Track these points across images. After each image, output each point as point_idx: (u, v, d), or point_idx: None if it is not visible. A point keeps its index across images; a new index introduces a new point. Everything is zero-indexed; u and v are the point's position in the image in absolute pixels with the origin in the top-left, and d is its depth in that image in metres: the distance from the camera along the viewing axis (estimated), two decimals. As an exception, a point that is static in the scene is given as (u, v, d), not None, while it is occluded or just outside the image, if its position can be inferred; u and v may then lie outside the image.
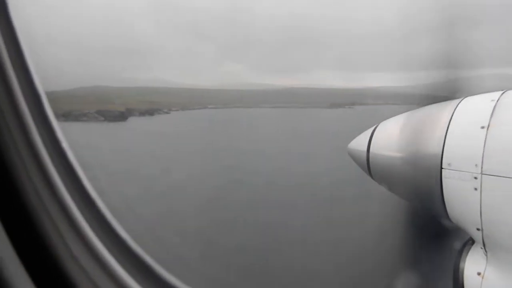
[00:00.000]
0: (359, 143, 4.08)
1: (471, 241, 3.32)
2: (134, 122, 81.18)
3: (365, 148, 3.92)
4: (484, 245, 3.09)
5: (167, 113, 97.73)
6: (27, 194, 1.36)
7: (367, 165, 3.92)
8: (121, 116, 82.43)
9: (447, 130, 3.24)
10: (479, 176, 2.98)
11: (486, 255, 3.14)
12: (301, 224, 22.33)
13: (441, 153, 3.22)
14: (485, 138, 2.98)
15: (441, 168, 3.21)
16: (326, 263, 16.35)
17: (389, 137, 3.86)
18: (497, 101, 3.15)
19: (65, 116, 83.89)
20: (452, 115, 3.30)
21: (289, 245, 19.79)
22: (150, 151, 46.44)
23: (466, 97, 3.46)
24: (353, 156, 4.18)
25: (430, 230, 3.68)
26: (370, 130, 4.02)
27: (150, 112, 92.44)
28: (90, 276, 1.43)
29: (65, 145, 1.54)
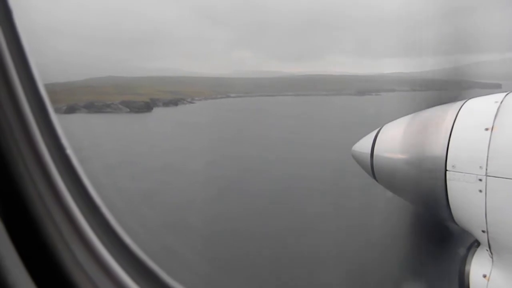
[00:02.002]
0: (363, 146, 4.06)
1: (476, 244, 3.29)
2: (160, 112, 79.01)
3: (369, 151, 3.91)
4: (489, 247, 3.08)
5: (191, 103, 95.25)
6: (30, 198, 1.37)
7: (371, 167, 3.91)
8: (147, 107, 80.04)
9: (451, 132, 3.24)
10: (483, 178, 2.98)
11: (492, 257, 3.12)
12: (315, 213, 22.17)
13: (445, 155, 3.21)
14: (489, 140, 2.98)
15: (446, 170, 3.20)
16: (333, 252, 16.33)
17: (393, 140, 3.86)
18: (501, 102, 3.13)
19: (87, 107, 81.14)
20: (456, 117, 3.28)
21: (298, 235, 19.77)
22: (187, 143, 44.05)
23: (470, 99, 3.45)
24: (357, 159, 4.18)
25: (435, 233, 3.68)
26: (374, 133, 4.00)
27: (174, 102, 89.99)
28: (93, 281, 1.43)
29: (68, 149, 1.53)
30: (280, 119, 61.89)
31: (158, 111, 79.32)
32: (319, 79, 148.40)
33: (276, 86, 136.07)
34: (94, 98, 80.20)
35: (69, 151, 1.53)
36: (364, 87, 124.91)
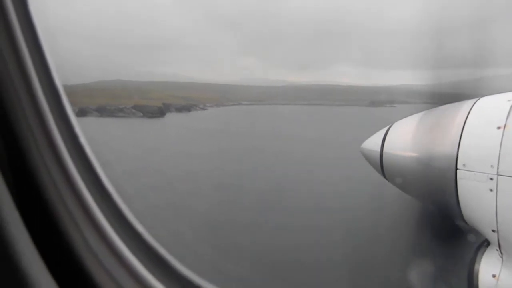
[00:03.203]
0: (372, 143, 4.04)
1: (486, 243, 3.27)
2: (174, 118, 77.11)
3: (378, 148, 3.89)
4: (499, 247, 3.06)
5: (204, 109, 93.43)
6: (45, 186, 1.40)
7: (381, 165, 3.89)
8: (160, 112, 78.10)
9: (462, 130, 3.21)
10: (495, 177, 2.96)
11: (502, 257, 3.11)
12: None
13: (456, 153, 3.19)
14: (501, 139, 2.95)
15: (456, 168, 3.18)
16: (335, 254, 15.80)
17: (403, 137, 3.84)
18: None
19: (99, 111, 78.57)
20: (468, 115, 3.26)
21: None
22: (210, 150, 41.93)
23: (482, 97, 3.40)
24: (366, 156, 4.15)
25: (445, 232, 3.65)
26: (383, 130, 3.97)
27: (187, 108, 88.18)
28: (105, 267, 1.46)
29: (82, 139, 1.57)
30: (305, 129, 59.64)
31: (171, 117, 77.41)
32: (329, 89, 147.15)
33: (287, 95, 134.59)
34: (105, 102, 78.36)
35: (83, 139, 1.56)
36: (376, 98, 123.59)
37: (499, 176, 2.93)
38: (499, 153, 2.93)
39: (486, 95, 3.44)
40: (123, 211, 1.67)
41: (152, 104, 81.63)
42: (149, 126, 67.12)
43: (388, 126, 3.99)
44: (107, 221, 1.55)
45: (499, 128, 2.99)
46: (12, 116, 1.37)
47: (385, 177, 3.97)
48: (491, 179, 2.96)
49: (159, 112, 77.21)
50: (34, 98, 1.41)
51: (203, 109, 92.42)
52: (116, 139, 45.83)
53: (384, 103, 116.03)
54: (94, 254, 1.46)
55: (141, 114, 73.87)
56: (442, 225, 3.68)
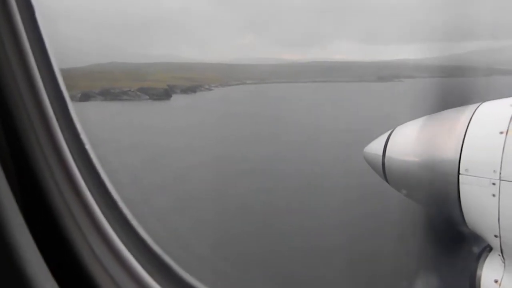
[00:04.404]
0: (375, 148, 4.03)
1: (488, 248, 3.27)
2: (182, 100, 74.72)
3: (381, 153, 3.88)
4: (501, 252, 3.06)
5: (209, 89, 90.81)
6: (49, 192, 1.40)
7: (383, 169, 3.88)
8: (166, 94, 75.58)
9: (465, 135, 3.20)
10: (497, 182, 2.96)
11: (504, 263, 3.10)
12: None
13: (458, 158, 3.18)
14: (504, 144, 2.95)
15: (459, 173, 3.17)
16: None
17: (405, 142, 3.83)
18: None
19: (103, 94, 76.00)
20: (470, 120, 3.25)
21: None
22: (227, 134, 40.09)
23: (484, 102, 3.41)
24: (369, 160, 4.15)
25: (447, 237, 3.64)
26: (386, 135, 3.96)
27: (192, 89, 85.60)
28: (109, 273, 1.47)
29: (86, 143, 1.57)
30: (316, 106, 57.45)
31: (178, 98, 75.04)
32: (333, 66, 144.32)
33: (290, 73, 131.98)
34: (105, 85, 75.68)
35: (88, 146, 1.56)
36: (383, 73, 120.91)
37: (501, 181, 2.94)
38: (502, 158, 2.94)
39: (488, 100, 3.42)
40: (126, 215, 1.67)
41: (157, 86, 79.08)
42: (158, 109, 64.97)
43: (390, 131, 3.97)
44: (110, 225, 1.55)
45: (501, 133, 2.99)
46: (15, 115, 1.36)
47: (387, 181, 3.95)
48: (494, 184, 2.97)
49: (165, 94, 74.90)
50: (39, 102, 1.40)
51: (208, 89, 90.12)
52: (131, 124, 43.91)
53: (391, 78, 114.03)
54: (97, 258, 1.46)
55: (147, 97, 71.56)
56: (444, 230, 3.65)
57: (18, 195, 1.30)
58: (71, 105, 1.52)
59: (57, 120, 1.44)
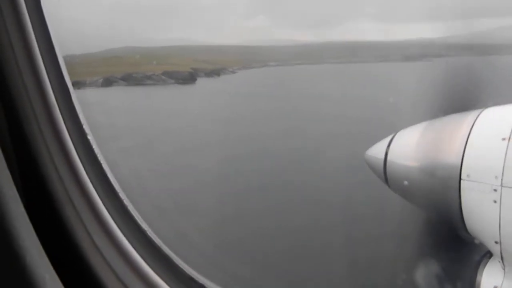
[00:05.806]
0: (376, 151, 4.02)
1: (488, 254, 3.27)
2: (208, 83, 73.26)
3: (382, 157, 3.88)
4: (502, 258, 3.05)
5: (233, 72, 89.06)
6: (52, 184, 1.41)
7: (384, 173, 3.88)
8: (191, 78, 74.27)
9: (467, 140, 3.20)
10: (498, 189, 2.95)
11: (504, 269, 3.09)
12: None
13: (460, 163, 3.17)
14: (506, 150, 2.94)
15: (460, 179, 3.17)
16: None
17: (407, 146, 3.83)
18: None
19: (125, 79, 74.47)
20: (473, 126, 3.25)
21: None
22: (262, 115, 38.84)
23: (487, 108, 3.40)
24: (370, 164, 4.14)
25: (447, 242, 3.61)
26: (388, 139, 3.98)
27: (216, 72, 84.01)
28: (110, 264, 1.48)
29: (90, 137, 1.54)
30: (356, 87, 55.10)
31: (204, 82, 73.55)
32: (355, 46, 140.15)
33: (311, 54, 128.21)
34: (128, 70, 74.42)
35: (90, 137, 1.54)
36: (409, 53, 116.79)
37: (503, 188, 2.93)
38: (503, 165, 2.93)
39: (491, 107, 3.39)
40: (129, 210, 1.65)
41: (181, 70, 77.67)
42: (188, 93, 63.75)
43: (392, 135, 3.96)
44: (113, 220, 1.54)
45: (503, 139, 2.98)
46: (18, 103, 1.33)
47: (388, 185, 3.94)
48: (495, 190, 2.96)
49: (190, 78, 73.43)
50: (44, 95, 1.38)
51: (232, 72, 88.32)
52: (166, 109, 42.76)
53: (418, 58, 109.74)
54: (99, 252, 1.46)
55: (173, 81, 70.21)
56: (445, 236, 3.60)
57: (20, 183, 1.30)
58: (74, 94, 1.49)
59: (60, 109, 1.43)
